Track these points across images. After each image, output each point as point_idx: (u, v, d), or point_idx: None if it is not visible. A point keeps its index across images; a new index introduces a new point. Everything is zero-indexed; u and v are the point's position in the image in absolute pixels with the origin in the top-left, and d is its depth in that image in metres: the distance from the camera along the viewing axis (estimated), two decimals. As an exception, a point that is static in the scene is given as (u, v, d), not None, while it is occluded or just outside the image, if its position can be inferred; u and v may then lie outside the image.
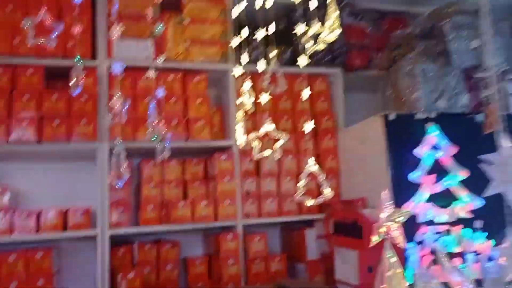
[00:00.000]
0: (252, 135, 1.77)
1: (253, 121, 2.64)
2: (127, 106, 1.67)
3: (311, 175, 1.67)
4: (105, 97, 2.45)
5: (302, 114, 2.82)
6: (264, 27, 1.72)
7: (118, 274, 2.36)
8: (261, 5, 1.66)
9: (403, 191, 2.11)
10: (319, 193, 1.70)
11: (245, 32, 1.82)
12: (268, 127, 1.70)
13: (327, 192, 1.63)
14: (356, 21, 2.96)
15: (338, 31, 1.46)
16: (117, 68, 1.57)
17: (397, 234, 1.09)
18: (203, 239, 2.88)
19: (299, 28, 1.50)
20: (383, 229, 1.11)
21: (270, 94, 1.75)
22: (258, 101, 1.80)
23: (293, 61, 2.66)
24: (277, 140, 1.72)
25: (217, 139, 2.69)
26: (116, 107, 1.61)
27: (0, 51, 2.31)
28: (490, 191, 1.61)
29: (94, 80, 2.44)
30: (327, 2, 1.42)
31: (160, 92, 1.79)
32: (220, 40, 2.68)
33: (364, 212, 2.22)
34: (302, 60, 1.59)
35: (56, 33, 1.60)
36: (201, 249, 2.87)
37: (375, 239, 1.17)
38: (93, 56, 2.48)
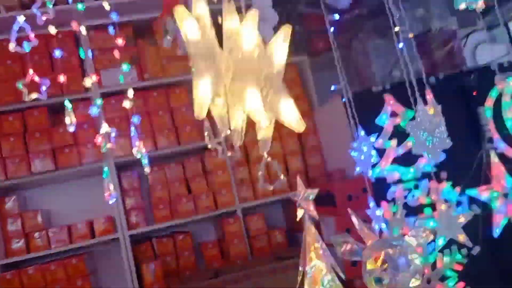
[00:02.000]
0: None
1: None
2: (115, 132, 2.05)
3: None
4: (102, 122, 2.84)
5: (278, 102, 3.15)
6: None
7: (143, 266, 2.81)
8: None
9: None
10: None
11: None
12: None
13: (282, 177, 1.98)
14: (314, 10, 3.23)
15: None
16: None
17: (312, 209, 1.44)
18: (214, 225, 3.29)
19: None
20: (301, 210, 1.46)
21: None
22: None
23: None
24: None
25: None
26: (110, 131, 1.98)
27: (9, 101, 2.75)
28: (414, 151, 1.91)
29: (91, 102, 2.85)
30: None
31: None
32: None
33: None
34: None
35: (45, 87, 1.98)
36: (213, 235, 3.28)
37: (298, 215, 1.52)
38: (86, 89, 2.87)
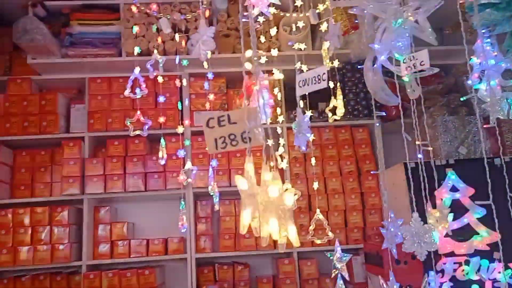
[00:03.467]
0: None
1: (303, 167, 3.29)
2: (196, 170, 2.43)
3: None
4: (188, 156, 3.29)
5: (346, 159, 3.40)
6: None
7: (203, 287, 3.16)
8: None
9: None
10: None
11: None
12: (287, 185, 2.35)
13: (331, 234, 2.23)
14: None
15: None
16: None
17: (345, 271, 1.69)
18: (271, 262, 3.57)
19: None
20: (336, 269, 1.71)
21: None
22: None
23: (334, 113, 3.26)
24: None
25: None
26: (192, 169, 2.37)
27: (117, 128, 3.29)
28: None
29: (181, 141, 3.30)
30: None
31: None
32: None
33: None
34: (340, 112, 2.19)
35: (147, 127, 2.41)
36: (270, 271, 3.56)
37: (333, 274, 1.77)
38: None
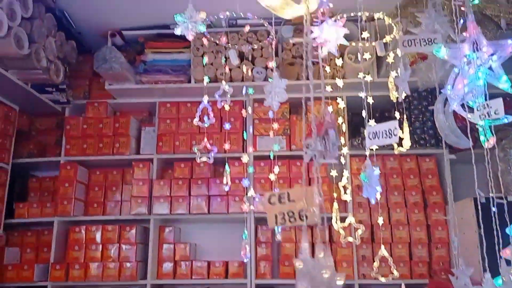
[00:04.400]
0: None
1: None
2: (258, 198, 2.47)
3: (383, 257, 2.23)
4: (249, 177, 3.34)
5: (412, 189, 3.30)
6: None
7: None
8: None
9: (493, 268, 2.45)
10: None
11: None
12: (350, 218, 2.32)
13: (396, 273, 2.17)
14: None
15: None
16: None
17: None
18: (331, 291, 3.51)
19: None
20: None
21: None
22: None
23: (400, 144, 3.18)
24: (356, 229, 2.31)
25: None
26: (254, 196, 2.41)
27: (184, 151, 3.42)
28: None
29: (243, 168, 3.36)
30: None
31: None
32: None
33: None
34: (406, 145, 2.15)
35: (213, 154, 2.48)
36: (329, 299, 3.49)
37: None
38: (243, 149, 3.40)
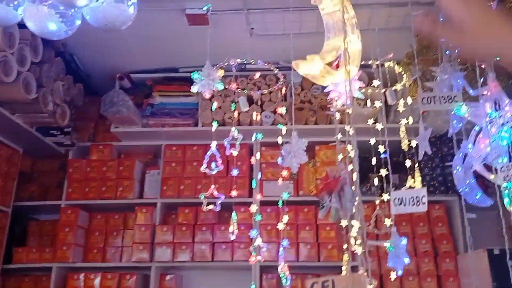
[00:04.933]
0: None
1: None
2: (266, 247, 2.39)
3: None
4: (256, 226, 3.26)
5: (421, 238, 3.22)
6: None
7: None
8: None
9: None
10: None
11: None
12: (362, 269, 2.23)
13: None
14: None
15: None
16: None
17: None
18: None
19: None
20: None
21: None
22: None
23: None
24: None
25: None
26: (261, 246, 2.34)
27: (188, 195, 3.36)
28: None
29: (250, 214, 3.29)
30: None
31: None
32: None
33: None
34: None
35: (220, 201, 2.42)
36: None
37: None
38: (250, 194, 3.34)
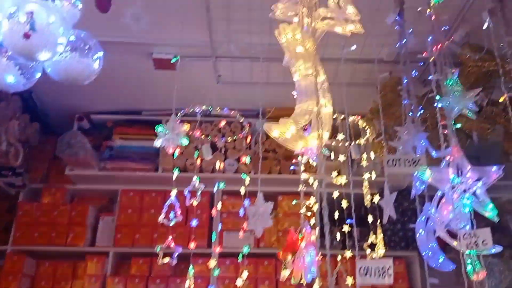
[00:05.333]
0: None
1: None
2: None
3: None
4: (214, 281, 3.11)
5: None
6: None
7: None
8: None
9: None
10: None
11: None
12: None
13: None
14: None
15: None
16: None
17: None
18: None
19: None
20: None
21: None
22: None
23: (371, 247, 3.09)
24: None
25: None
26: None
27: (143, 245, 3.19)
28: None
29: (207, 266, 3.15)
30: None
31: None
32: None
33: None
34: (381, 252, 2.04)
35: (176, 254, 2.30)
36: None
37: None
38: (209, 245, 3.21)
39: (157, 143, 1.58)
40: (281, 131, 1.02)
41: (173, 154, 3.18)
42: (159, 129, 1.57)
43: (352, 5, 1.13)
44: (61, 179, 3.42)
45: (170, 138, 1.51)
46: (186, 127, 1.55)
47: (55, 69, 1.51)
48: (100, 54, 1.60)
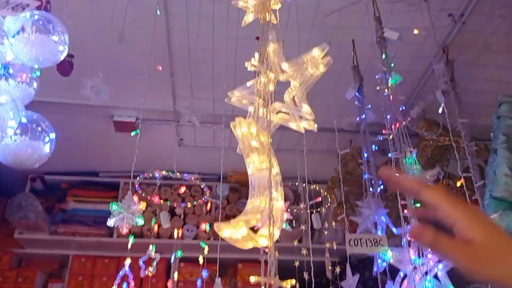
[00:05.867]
0: None
1: None
2: None
3: None
4: None
5: None
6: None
7: None
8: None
9: None
10: None
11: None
12: None
13: None
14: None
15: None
16: None
17: None
18: None
19: None
20: None
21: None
22: None
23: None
24: None
25: None
26: None
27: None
28: None
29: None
30: None
31: None
32: None
33: None
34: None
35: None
36: None
37: None
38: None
39: (111, 222, 1.49)
40: (231, 232, 0.98)
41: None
42: (113, 207, 1.49)
43: (307, 104, 1.16)
44: (9, 243, 3.21)
45: (124, 217, 1.43)
46: (142, 205, 1.48)
47: (3, 153, 1.41)
48: (53, 136, 1.52)
